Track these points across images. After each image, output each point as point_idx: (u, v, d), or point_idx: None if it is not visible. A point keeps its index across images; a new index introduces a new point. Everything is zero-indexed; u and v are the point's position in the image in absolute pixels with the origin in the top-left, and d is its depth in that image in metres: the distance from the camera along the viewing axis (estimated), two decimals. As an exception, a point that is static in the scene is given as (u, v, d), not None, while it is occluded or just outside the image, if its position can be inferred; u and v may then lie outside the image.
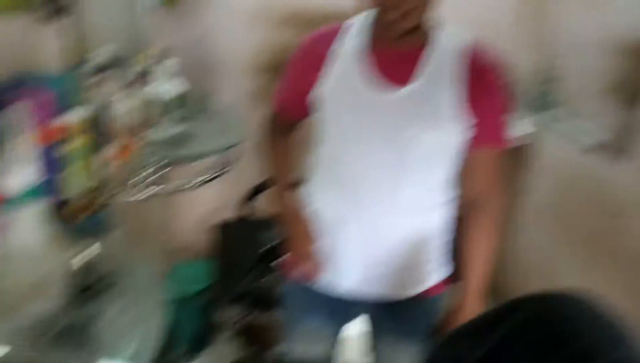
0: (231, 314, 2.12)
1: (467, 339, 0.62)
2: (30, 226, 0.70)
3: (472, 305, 1.09)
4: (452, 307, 1.12)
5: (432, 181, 1.08)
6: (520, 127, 2.16)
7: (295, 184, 1.20)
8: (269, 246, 1.68)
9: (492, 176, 1.09)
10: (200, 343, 1.99)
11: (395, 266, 1.13)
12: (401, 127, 1.00)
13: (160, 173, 1.29)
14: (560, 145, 1.94)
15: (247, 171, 1.79)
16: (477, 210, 1.10)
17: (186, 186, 1.40)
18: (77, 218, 0.78)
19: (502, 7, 2.18)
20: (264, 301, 1.72)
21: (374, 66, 1.02)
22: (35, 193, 0.69)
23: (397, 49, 1.01)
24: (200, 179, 1.38)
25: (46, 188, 0.70)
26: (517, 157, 2.23)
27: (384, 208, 1.07)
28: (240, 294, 1.72)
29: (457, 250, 1.14)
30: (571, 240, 1.86)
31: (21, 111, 0.67)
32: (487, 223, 1.10)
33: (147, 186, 1.26)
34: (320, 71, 1.05)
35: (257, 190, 1.85)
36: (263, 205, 1.94)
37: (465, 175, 1.10)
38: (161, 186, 1.32)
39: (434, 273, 1.17)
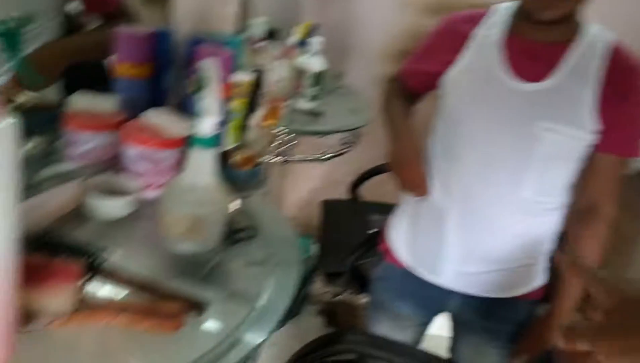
0: (324, 290, 2.19)
1: None
2: (202, 169, 0.78)
3: (567, 314, 1.07)
4: (545, 314, 1.11)
5: (552, 182, 1.05)
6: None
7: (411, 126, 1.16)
8: (376, 229, 1.71)
9: (612, 185, 1.06)
10: (287, 313, 2.07)
11: (499, 264, 1.11)
12: (534, 120, 0.99)
13: (292, 142, 1.36)
14: None
15: (362, 154, 1.84)
16: (589, 219, 1.06)
17: (311, 159, 1.46)
18: (240, 168, 0.86)
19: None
20: (361, 283, 1.75)
21: (512, 55, 1.01)
22: (211, 140, 0.76)
23: (539, 41, 1.00)
24: (325, 154, 1.43)
25: (217, 138, 0.77)
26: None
27: (499, 202, 1.05)
28: (338, 272, 1.77)
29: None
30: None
31: (213, 65, 0.75)
32: (597, 234, 1.06)
33: (278, 153, 1.34)
34: (457, 52, 1.05)
35: (370, 174, 1.88)
36: (373, 190, 1.97)
37: (584, 180, 1.07)
38: (287, 155, 1.39)
39: (537, 277, 1.14)
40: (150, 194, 0.88)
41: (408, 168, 1.09)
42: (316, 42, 1.38)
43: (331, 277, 1.72)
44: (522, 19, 1.02)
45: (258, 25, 1.38)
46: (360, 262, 1.67)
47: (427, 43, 1.16)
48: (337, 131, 1.41)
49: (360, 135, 1.66)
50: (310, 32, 1.43)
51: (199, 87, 0.73)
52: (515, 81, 1.00)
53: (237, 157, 0.85)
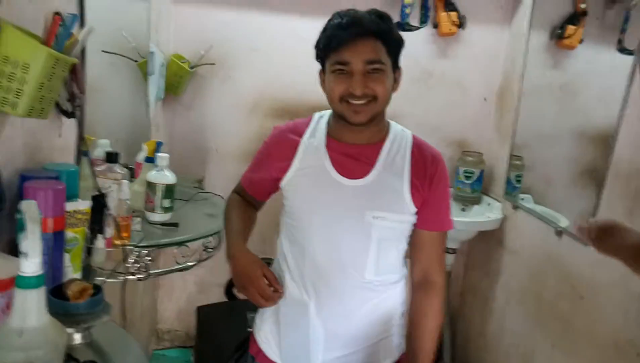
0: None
1: None
2: (29, 310, 0.75)
3: None
4: None
5: (388, 261, 1.18)
6: (494, 212, 2.29)
7: (245, 236, 1.23)
8: (250, 329, 1.70)
9: (437, 255, 1.21)
10: None
11: (361, 343, 1.20)
12: (364, 211, 1.13)
13: (149, 257, 1.35)
14: (531, 230, 2.06)
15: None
16: (425, 290, 1.20)
17: (174, 269, 1.45)
18: (77, 300, 0.84)
19: (478, 105, 2.42)
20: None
21: (336, 156, 1.15)
22: (36, 280, 0.75)
23: (355, 143, 1.16)
24: (184, 264, 1.44)
25: (49, 272, 0.76)
26: (490, 241, 2.34)
27: (347, 287, 1.16)
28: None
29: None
30: (544, 320, 1.92)
31: (32, 204, 0.75)
32: (434, 303, 1.19)
33: (137, 270, 1.32)
34: (289, 159, 1.18)
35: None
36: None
37: (414, 254, 1.22)
38: (148, 270, 1.37)
39: (397, 348, 1.25)
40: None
41: (252, 286, 1.13)
42: (162, 157, 1.43)
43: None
44: (338, 124, 1.17)
45: (99, 147, 1.41)
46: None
47: (260, 155, 1.27)
48: (195, 239, 1.43)
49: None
50: (157, 148, 1.48)
51: (20, 228, 0.73)
52: (342, 178, 1.14)
53: (74, 289, 0.83)
